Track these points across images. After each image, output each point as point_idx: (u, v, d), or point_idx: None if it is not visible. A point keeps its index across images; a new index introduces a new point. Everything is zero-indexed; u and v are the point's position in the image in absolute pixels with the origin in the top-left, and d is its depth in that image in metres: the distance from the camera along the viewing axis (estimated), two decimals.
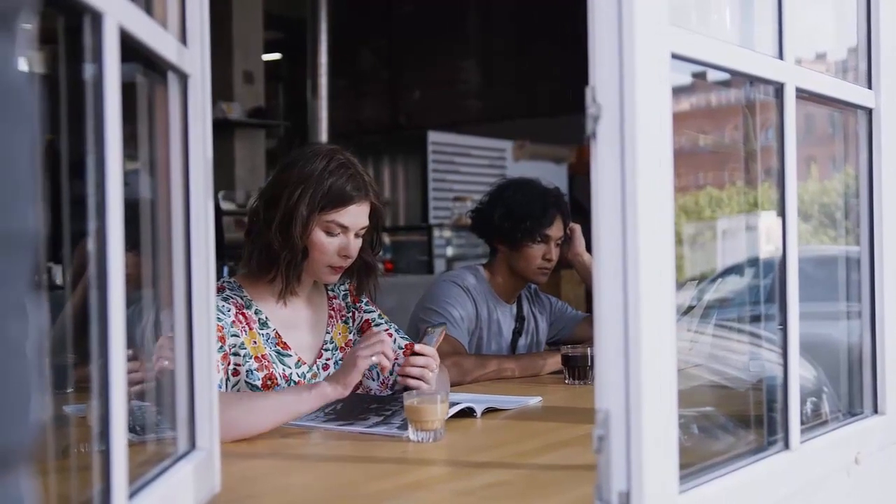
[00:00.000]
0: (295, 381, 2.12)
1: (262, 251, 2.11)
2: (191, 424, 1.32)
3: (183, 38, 1.30)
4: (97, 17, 0.96)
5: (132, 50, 1.08)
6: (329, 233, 2.10)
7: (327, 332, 2.24)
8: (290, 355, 2.14)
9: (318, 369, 2.19)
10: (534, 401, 2.28)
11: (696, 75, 1.40)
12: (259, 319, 2.13)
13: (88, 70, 0.98)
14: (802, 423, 1.49)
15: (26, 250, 0.54)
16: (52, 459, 1.08)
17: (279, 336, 2.14)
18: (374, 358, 1.91)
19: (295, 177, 2.08)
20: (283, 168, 2.15)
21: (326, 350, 2.23)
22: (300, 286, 2.18)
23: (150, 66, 1.24)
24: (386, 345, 1.94)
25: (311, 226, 2.08)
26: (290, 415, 1.90)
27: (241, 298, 2.13)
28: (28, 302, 0.55)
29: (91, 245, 0.97)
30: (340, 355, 2.24)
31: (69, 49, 1.01)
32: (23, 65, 0.56)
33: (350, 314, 2.31)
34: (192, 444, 1.32)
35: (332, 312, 2.28)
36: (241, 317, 2.09)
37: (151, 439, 1.40)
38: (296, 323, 2.19)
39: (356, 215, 2.11)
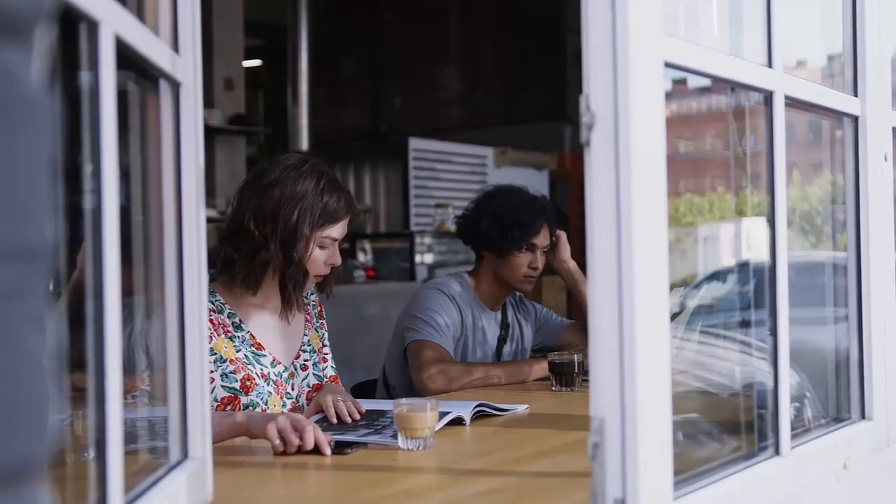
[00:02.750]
0: (273, 381, 2.18)
1: (256, 266, 2.13)
2: (183, 434, 1.32)
3: (175, 46, 1.30)
4: (93, 26, 0.96)
5: (125, 57, 1.07)
6: (322, 247, 2.19)
7: (305, 335, 2.32)
8: (265, 355, 2.19)
9: (295, 369, 2.26)
10: (521, 408, 2.28)
11: (676, 81, 1.40)
12: (233, 323, 2.18)
13: (83, 77, 0.98)
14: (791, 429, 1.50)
15: (43, 262, 0.54)
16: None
17: (254, 337, 2.19)
18: (276, 442, 1.75)
19: (287, 196, 2.13)
20: (269, 185, 2.14)
21: (305, 351, 2.31)
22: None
23: (141, 74, 1.23)
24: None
25: (312, 244, 2.16)
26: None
27: (213, 303, 2.16)
28: (46, 314, 0.54)
29: (87, 253, 0.97)
30: (317, 358, 2.33)
31: (63, 56, 1.01)
32: (39, 76, 0.55)
33: (319, 324, 2.40)
34: (185, 454, 1.32)
35: (308, 317, 2.36)
36: (209, 322, 2.12)
37: (140, 448, 1.39)
38: (272, 326, 2.25)
39: (344, 227, 2.24)
